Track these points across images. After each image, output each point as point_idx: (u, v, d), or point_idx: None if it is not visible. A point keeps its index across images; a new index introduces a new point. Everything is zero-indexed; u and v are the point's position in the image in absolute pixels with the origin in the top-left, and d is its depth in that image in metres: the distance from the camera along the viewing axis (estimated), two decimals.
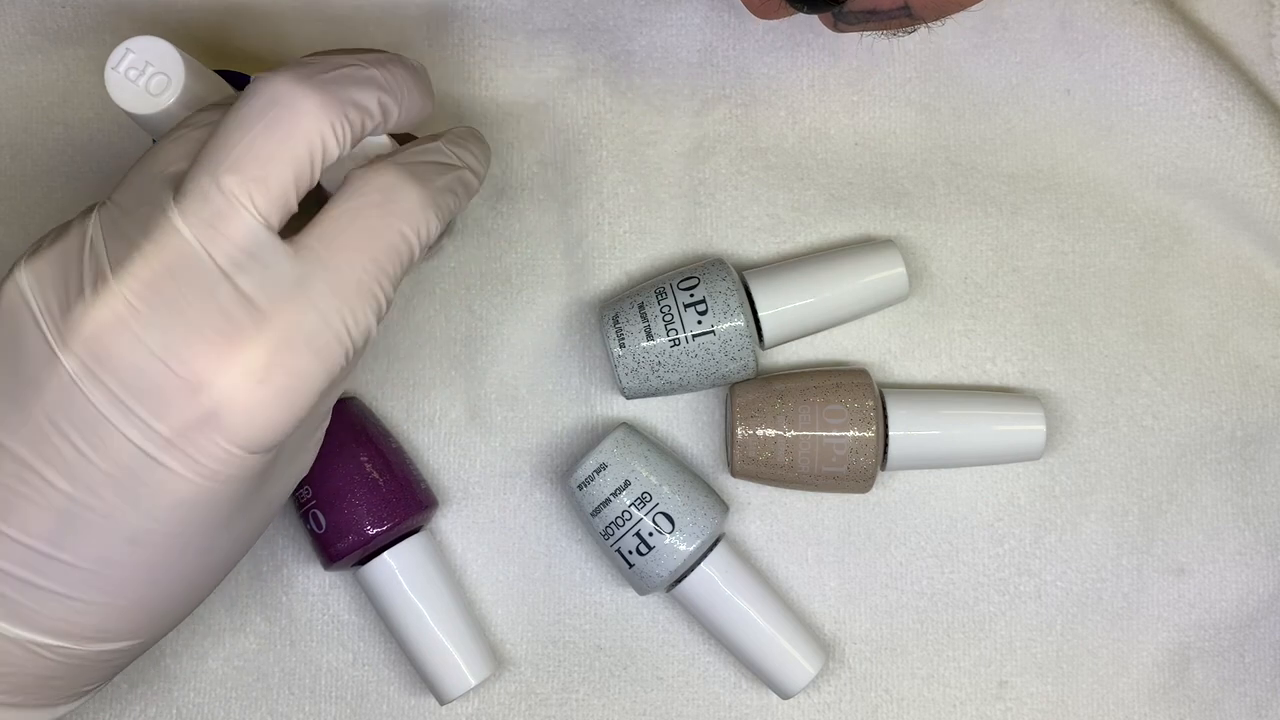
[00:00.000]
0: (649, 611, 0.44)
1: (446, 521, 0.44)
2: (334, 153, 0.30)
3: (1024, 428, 0.42)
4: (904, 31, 0.37)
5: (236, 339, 0.28)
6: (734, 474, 0.42)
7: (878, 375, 0.45)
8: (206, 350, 0.28)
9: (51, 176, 0.43)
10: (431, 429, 0.44)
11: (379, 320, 0.31)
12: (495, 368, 0.44)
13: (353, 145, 0.31)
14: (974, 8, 0.44)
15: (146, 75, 0.34)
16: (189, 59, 0.34)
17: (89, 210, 0.31)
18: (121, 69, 0.34)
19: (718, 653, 0.44)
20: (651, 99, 0.45)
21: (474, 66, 0.44)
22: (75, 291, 0.29)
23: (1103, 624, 0.44)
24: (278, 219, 0.30)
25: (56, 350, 0.29)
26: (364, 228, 0.30)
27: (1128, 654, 0.44)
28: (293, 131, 0.29)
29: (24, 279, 0.30)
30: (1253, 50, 0.46)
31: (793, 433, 0.41)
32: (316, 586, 0.43)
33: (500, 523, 0.44)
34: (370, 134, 0.32)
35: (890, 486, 0.44)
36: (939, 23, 0.36)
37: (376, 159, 0.32)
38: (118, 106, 0.34)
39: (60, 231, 0.31)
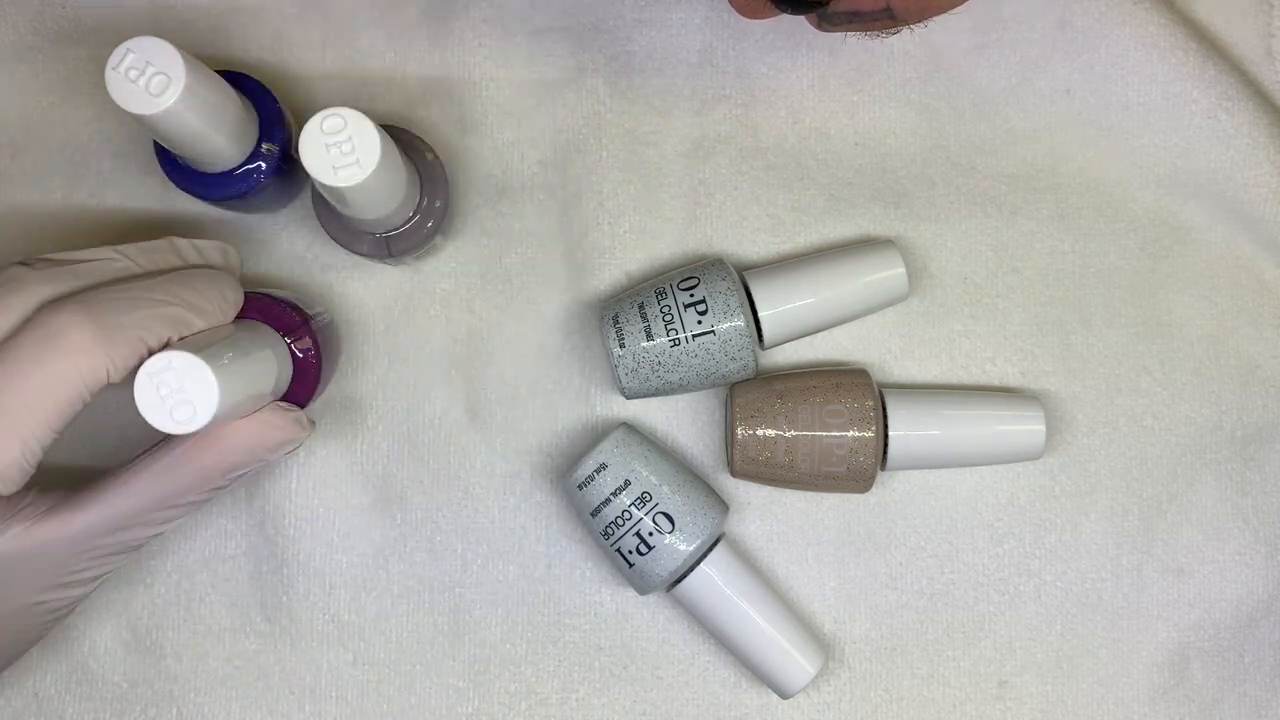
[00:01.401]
0: (649, 611, 0.44)
1: (446, 521, 0.44)
2: (102, 383, 0.33)
3: (1024, 428, 0.42)
4: (888, 32, 0.37)
5: None
6: (734, 474, 0.42)
7: (878, 375, 0.45)
8: None
9: (51, 176, 0.43)
10: (431, 429, 0.44)
11: (32, 458, 0.33)
12: (495, 368, 0.44)
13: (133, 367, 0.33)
14: (974, 9, 0.44)
15: (147, 75, 0.33)
16: (189, 59, 0.34)
17: None
18: (122, 69, 0.34)
19: (718, 653, 0.44)
20: (651, 99, 0.45)
21: (474, 66, 0.44)
22: None
23: (1102, 624, 0.44)
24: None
25: None
26: (29, 373, 0.32)
27: (1127, 654, 0.44)
28: (62, 373, 0.32)
29: None
30: (1252, 50, 0.46)
31: (793, 433, 0.41)
32: (317, 586, 0.43)
33: (500, 523, 0.44)
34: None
35: (890, 486, 0.44)
36: (923, 25, 0.36)
37: (60, 300, 0.33)
38: (118, 106, 0.34)
39: None
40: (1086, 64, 0.45)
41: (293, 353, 0.39)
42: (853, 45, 0.45)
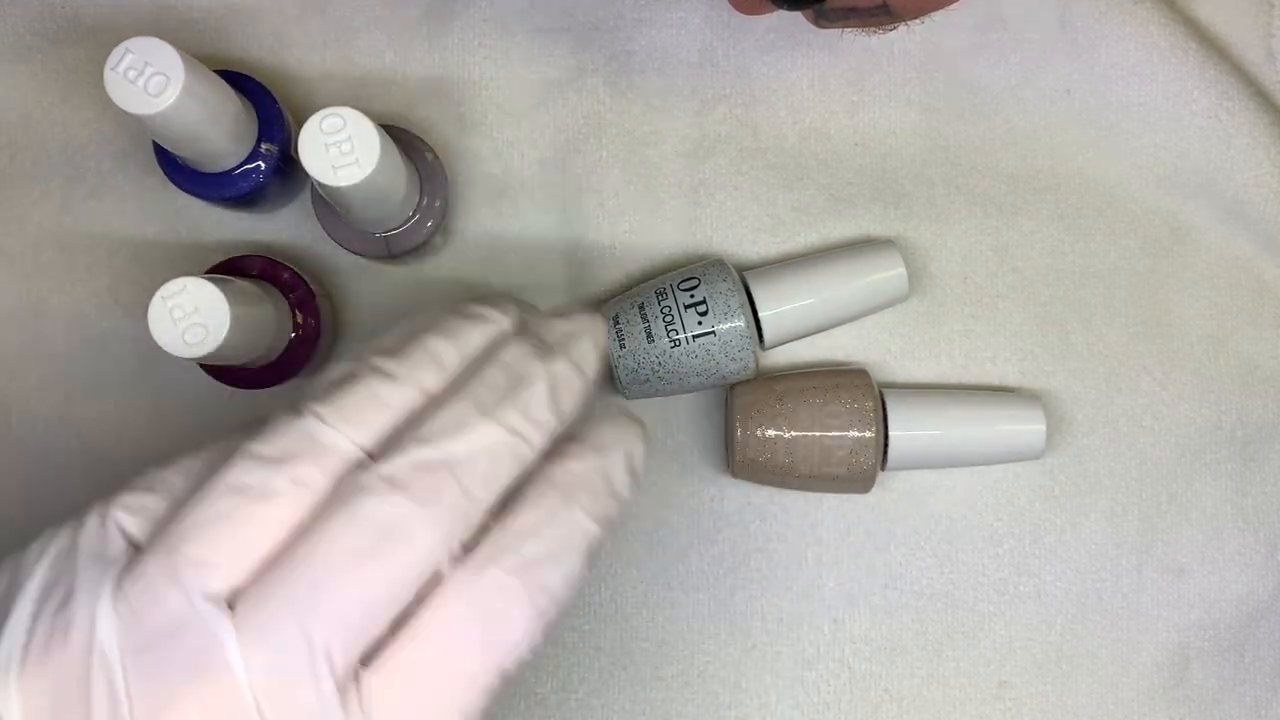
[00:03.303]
0: (648, 611, 0.44)
1: None
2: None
3: (1024, 427, 0.42)
4: (885, 29, 0.37)
5: None
6: (734, 474, 0.42)
7: (878, 375, 0.45)
8: None
9: (50, 177, 0.43)
10: None
11: None
12: None
13: None
14: (974, 8, 0.44)
15: (145, 75, 0.33)
16: (188, 59, 0.34)
17: (86, 594, 0.23)
18: (120, 69, 0.33)
19: (717, 652, 0.44)
20: (651, 99, 0.45)
21: (474, 66, 0.44)
22: None
23: (1102, 624, 0.44)
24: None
25: None
26: (445, 686, 0.24)
27: (1127, 654, 0.44)
28: (407, 570, 0.24)
29: (11, 701, 0.22)
30: (1253, 50, 0.46)
31: (793, 433, 0.41)
32: None
33: None
34: None
35: (890, 486, 0.44)
36: (919, 21, 0.36)
37: (479, 555, 0.25)
38: (117, 107, 0.34)
39: (55, 635, 0.23)
40: (1087, 64, 0.45)
41: (294, 318, 0.41)
42: (853, 45, 0.45)
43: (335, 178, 0.34)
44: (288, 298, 0.41)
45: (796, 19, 0.44)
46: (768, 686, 0.43)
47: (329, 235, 0.41)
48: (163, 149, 0.39)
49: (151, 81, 0.34)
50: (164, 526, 0.24)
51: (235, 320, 0.35)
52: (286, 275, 0.41)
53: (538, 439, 0.26)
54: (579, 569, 0.26)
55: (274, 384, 0.41)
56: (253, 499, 0.24)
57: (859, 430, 0.41)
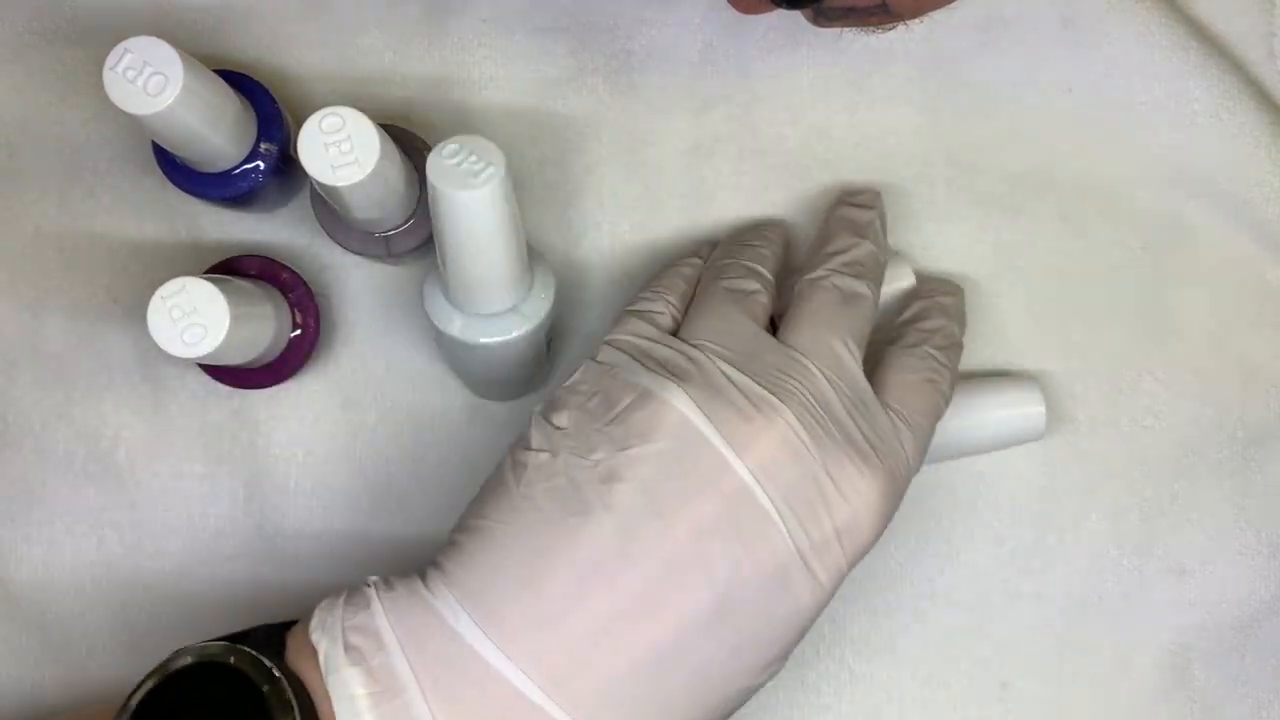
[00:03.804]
0: None
1: (448, 522, 0.43)
2: None
3: (1023, 409, 0.42)
4: (885, 28, 0.37)
5: (868, 468, 0.33)
6: None
7: None
8: (851, 472, 0.33)
9: (48, 176, 0.43)
10: (432, 430, 0.44)
11: None
12: None
13: None
14: (975, 8, 0.44)
15: (145, 75, 0.33)
16: (188, 59, 0.34)
17: (689, 362, 0.34)
18: (119, 69, 0.33)
19: None
20: (651, 98, 0.44)
21: (474, 66, 0.44)
22: (740, 415, 0.33)
23: (1103, 625, 0.44)
24: None
25: (733, 461, 0.32)
26: (929, 400, 0.37)
27: (1128, 655, 0.44)
28: (868, 316, 0.37)
29: (687, 406, 0.33)
30: (1254, 49, 0.46)
31: None
32: (316, 589, 0.43)
33: None
34: None
35: None
36: (919, 20, 0.36)
37: (922, 336, 0.39)
38: (116, 106, 0.34)
39: (692, 374, 0.34)
40: (1088, 63, 0.45)
41: (293, 318, 0.41)
42: (854, 44, 0.45)
43: (334, 177, 0.34)
44: (287, 298, 0.41)
45: (796, 18, 0.43)
46: (767, 687, 0.43)
47: (328, 235, 0.40)
48: (161, 149, 0.39)
49: (150, 81, 0.33)
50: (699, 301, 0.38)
51: (234, 320, 0.35)
52: (286, 275, 0.41)
53: (885, 256, 0.40)
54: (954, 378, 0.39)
55: (273, 384, 0.41)
56: (747, 295, 0.37)
57: None
